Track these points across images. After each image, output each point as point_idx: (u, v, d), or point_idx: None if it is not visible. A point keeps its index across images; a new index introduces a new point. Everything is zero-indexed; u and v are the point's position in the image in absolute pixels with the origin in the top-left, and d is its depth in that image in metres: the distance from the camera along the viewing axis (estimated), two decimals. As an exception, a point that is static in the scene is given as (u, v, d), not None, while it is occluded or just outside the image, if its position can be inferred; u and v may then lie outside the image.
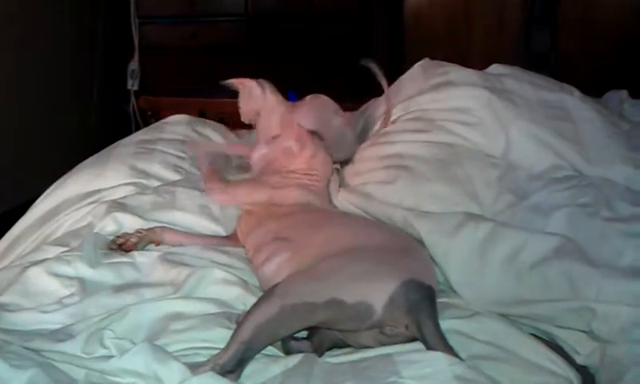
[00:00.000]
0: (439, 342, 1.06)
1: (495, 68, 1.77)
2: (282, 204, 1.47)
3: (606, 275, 1.18)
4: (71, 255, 1.34)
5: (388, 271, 1.12)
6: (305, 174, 1.54)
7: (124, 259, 1.36)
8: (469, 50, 3.08)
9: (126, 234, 1.41)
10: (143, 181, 1.64)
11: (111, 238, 1.41)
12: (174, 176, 1.68)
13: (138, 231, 1.41)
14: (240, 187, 1.58)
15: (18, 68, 3.09)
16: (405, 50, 3.22)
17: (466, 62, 1.80)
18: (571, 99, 1.64)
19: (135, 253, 1.38)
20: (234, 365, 1.03)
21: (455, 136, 1.57)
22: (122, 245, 1.39)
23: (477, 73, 1.72)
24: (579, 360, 1.14)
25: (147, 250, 1.40)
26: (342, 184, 1.60)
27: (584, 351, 1.15)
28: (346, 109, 2.10)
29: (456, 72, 1.73)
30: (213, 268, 1.31)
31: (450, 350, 1.05)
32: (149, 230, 1.42)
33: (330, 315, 1.09)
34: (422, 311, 1.08)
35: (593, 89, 1.78)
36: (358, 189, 1.54)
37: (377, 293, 1.08)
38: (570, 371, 1.08)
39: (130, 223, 1.46)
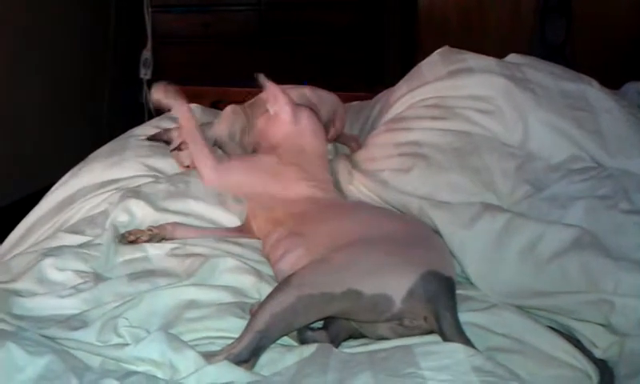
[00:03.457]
0: (457, 335, 1.05)
1: (513, 57, 1.75)
2: (291, 198, 1.42)
3: (624, 268, 1.17)
4: (88, 254, 1.34)
5: (407, 263, 1.11)
6: (296, 145, 1.48)
7: (137, 255, 1.36)
8: (483, 40, 3.05)
9: (137, 230, 1.40)
10: (159, 173, 1.64)
11: (123, 231, 1.41)
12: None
13: (149, 228, 1.41)
14: (234, 169, 1.47)
15: (31, 56, 3.09)
16: (418, 40, 3.19)
17: (480, 51, 1.77)
18: (591, 90, 1.62)
19: (148, 246, 1.38)
20: (249, 354, 1.03)
21: (473, 124, 1.55)
22: (132, 242, 1.38)
23: (496, 61, 1.70)
24: (597, 353, 1.13)
25: (160, 243, 1.40)
26: (356, 169, 1.58)
27: (602, 344, 1.13)
28: (358, 98, 2.10)
29: (475, 59, 1.71)
30: (226, 257, 1.31)
31: (467, 342, 1.04)
32: (160, 226, 1.41)
33: (347, 306, 1.08)
34: (441, 303, 1.07)
35: (608, 80, 1.75)
36: (373, 174, 1.52)
37: (396, 285, 1.08)
38: (587, 364, 1.07)
39: (142, 214, 1.45)
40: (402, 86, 1.80)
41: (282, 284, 1.10)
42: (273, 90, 1.52)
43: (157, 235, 1.40)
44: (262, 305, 1.08)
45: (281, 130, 1.52)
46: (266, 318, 1.04)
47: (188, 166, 1.64)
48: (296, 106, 1.53)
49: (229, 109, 1.72)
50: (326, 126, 1.76)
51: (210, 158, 1.45)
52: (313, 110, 1.60)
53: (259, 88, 1.70)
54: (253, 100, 1.75)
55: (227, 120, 1.69)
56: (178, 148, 1.63)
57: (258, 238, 1.42)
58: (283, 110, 1.51)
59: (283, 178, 1.44)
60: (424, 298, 1.07)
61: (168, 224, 1.42)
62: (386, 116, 1.73)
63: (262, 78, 1.51)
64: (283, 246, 1.29)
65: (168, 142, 1.69)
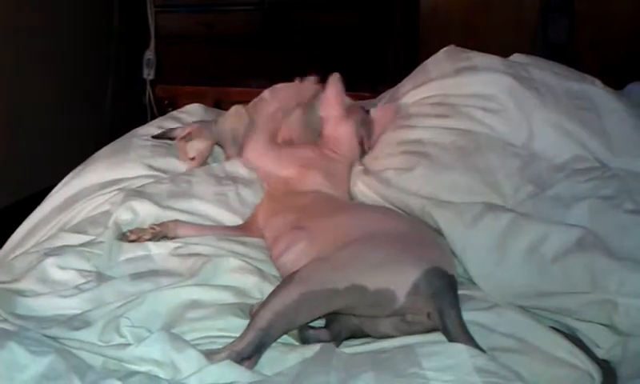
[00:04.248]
0: (461, 332, 1.05)
1: (517, 57, 1.74)
2: (299, 189, 1.47)
3: (628, 268, 1.16)
4: (91, 252, 1.34)
5: (411, 259, 1.11)
6: (329, 150, 1.56)
7: (140, 253, 1.36)
8: (486, 40, 3.02)
9: (140, 229, 1.40)
10: (162, 174, 1.64)
11: (125, 230, 1.41)
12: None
13: (151, 226, 1.40)
14: (275, 153, 1.56)
15: (34, 56, 3.09)
16: (421, 40, 3.19)
17: (483, 51, 1.77)
18: (595, 90, 1.62)
19: (151, 245, 1.37)
20: (251, 351, 1.03)
21: (477, 123, 1.55)
22: (134, 241, 1.38)
23: (501, 60, 1.69)
24: (600, 354, 1.13)
25: (163, 242, 1.39)
26: (360, 167, 1.58)
27: (605, 345, 1.13)
28: (362, 98, 2.09)
29: (480, 58, 1.70)
30: (229, 256, 1.31)
31: (471, 340, 1.04)
32: (162, 224, 1.41)
33: (351, 302, 1.08)
34: (445, 299, 1.07)
35: (611, 81, 1.75)
36: (376, 173, 1.52)
37: (400, 280, 1.08)
38: (590, 365, 1.07)
39: (146, 212, 1.45)
40: (407, 82, 1.80)
41: (285, 281, 1.11)
42: (329, 95, 1.60)
43: (159, 233, 1.40)
44: (264, 302, 1.08)
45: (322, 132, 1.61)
46: (268, 315, 1.04)
47: (193, 159, 1.66)
48: (343, 117, 1.60)
49: (233, 109, 1.74)
50: None
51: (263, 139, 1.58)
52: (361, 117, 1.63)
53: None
54: (257, 99, 1.76)
55: (231, 120, 1.70)
56: (185, 138, 1.65)
57: (259, 237, 1.43)
58: (328, 120, 1.60)
59: (305, 171, 1.50)
60: (428, 294, 1.07)
61: (170, 221, 1.42)
62: None
63: (333, 78, 1.61)
64: (286, 240, 1.30)
65: (173, 139, 1.72)
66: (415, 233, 1.25)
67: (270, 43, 3.50)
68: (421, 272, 1.08)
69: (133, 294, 1.19)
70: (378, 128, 1.65)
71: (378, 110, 1.69)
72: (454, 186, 1.42)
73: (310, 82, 1.71)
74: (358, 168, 1.57)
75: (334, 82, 1.60)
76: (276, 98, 1.70)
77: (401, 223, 1.29)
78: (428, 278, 1.08)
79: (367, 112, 1.66)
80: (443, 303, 1.07)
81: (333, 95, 1.60)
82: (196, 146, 1.67)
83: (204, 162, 1.70)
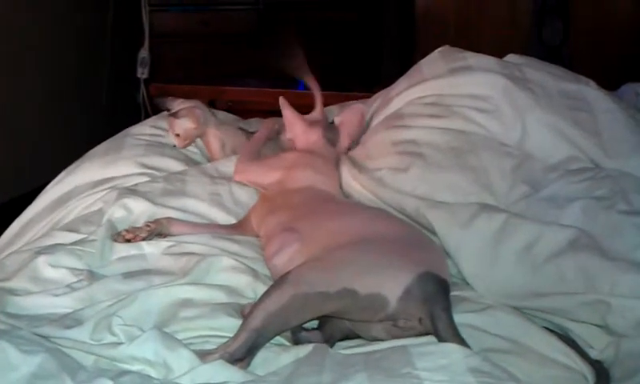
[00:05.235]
0: (452, 335, 1.04)
1: (512, 57, 1.75)
2: (292, 187, 1.46)
3: (621, 269, 1.16)
4: (83, 251, 1.33)
5: (403, 263, 1.10)
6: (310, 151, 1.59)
7: (133, 252, 1.35)
8: (480, 42, 3.04)
9: (135, 227, 1.40)
10: (156, 173, 1.64)
11: (120, 228, 1.40)
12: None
13: (146, 224, 1.40)
14: (256, 165, 1.60)
15: (27, 55, 3.08)
16: (416, 40, 3.19)
17: (477, 51, 1.77)
18: (589, 90, 1.62)
19: (144, 244, 1.36)
20: (244, 352, 1.03)
21: (471, 123, 1.55)
22: (130, 240, 1.37)
23: (496, 60, 1.69)
24: (593, 354, 1.13)
25: (156, 241, 1.39)
26: (354, 166, 1.58)
27: (598, 345, 1.13)
28: (356, 98, 2.09)
29: (475, 58, 1.70)
30: (222, 256, 1.30)
31: (463, 343, 1.03)
32: (155, 221, 1.41)
33: (342, 305, 1.07)
34: (436, 304, 1.07)
35: (605, 82, 1.75)
36: (370, 172, 1.52)
37: (391, 285, 1.07)
38: (583, 365, 1.07)
39: (140, 209, 1.45)
40: (402, 82, 1.80)
41: (278, 282, 1.10)
42: (287, 116, 1.65)
43: (154, 230, 1.39)
44: (257, 303, 1.07)
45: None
46: (261, 316, 1.04)
47: (178, 135, 1.71)
48: (308, 127, 1.64)
49: (235, 127, 1.84)
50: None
51: (245, 159, 1.63)
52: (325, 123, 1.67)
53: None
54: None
55: (227, 135, 1.76)
56: (175, 115, 1.69)
57: (252, 236, 1.43)
58: (297, 136, 1.64)
59: (293, 171, 1.51)
60: (420, 299, 1.07)
61: (163, 218, 1.42)
62: (384, 111, 1.73)
63: (281, 102, 1.65)
64: (278, 241, 1.29)
65: (169, 110, 1.75)
66: (409, 236, 1.24)
67: (264, 43, 3.50)
68: (413, 277, 1.08)
69: (125, 292, 1.19)
70: (346, 131, 1.67)
71: (342, 115, 1.70)
72: (448, 186, 1.42)
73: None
74: (347, 164, 1.57)
75: (284, 104, 1.65)
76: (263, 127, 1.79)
77: (394, 226, 1.28)
78: (420, 282, 1.07)
79: (332, 122, 1.69)
80: (435, 308, 1.06)
81: (290, 115, 1.65)
82: (183, 125, 1.70)
83: (188, 144, 1.75)
